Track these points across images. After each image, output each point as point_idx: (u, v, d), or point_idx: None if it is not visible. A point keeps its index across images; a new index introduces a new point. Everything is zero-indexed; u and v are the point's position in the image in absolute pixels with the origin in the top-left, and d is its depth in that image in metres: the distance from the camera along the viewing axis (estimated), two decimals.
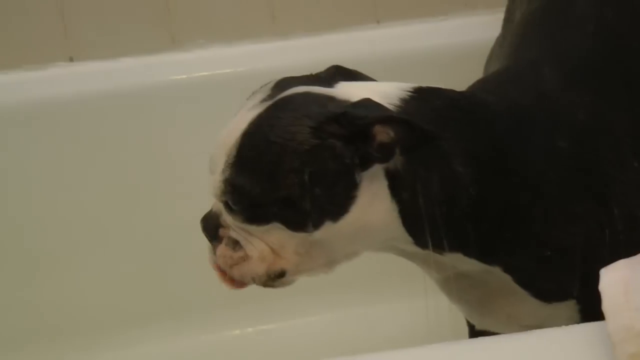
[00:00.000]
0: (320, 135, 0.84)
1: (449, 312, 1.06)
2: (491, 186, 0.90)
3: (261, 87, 0.92)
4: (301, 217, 0.86)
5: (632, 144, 0.96)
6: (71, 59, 1.54)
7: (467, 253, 0.92)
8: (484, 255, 0.93)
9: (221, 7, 1.56)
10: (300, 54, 1.53)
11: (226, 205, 0.89)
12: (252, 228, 0.88)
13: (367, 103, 0.85)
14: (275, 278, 0.91)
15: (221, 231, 0.91)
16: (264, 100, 0.88)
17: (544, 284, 0.95)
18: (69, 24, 1.53)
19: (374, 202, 0.87)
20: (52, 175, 1.50)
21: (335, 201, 0.86)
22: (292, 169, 0.84)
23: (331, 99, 0.87)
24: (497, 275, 0.95)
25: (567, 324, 0.79)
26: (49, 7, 1.51)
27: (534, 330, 0.79)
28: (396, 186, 0.87)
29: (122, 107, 1.50)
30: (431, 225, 0.88)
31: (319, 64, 1.49)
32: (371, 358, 0.78)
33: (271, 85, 0.91)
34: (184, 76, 1.53)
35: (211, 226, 0.92)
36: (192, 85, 1.53)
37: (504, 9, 1.30)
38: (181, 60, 1.54)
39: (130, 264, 1.53)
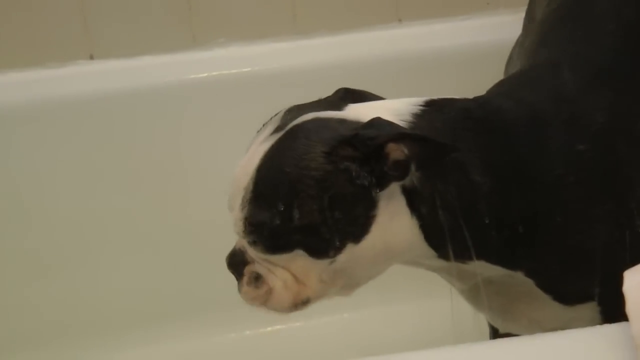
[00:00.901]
0: (334, 159, 0.84)
1: (468, 312, 1.05)
2: (510, 193, 0.89)
3: (271, 118, 0.92)
4: (323, 243, 0.86)
5: None
6: (92, 57, 1.55)
7: (491, 260, 0.92)
8: (507, 261, 0.92)
9: (242, 6, 1.56)
10: (321, 53, 1.53)
11: (248, 240, 0.89)
12: (275, 258, 0.88)
13: (378, 122, 0.85)
14: (300, 306, 0.91)
15: (247, 268, 0.91)
16: (275, 131, 0.88)
17: (565, 286, 0.94)
18: (90, 21, 1.53)
19: (393, 220, 0.87)
20: (72, 173, 1.50)
21: (355, 223, 0.86)
22: (310, 196, 0.84)
23: (342, 121, 0.87)
24: (519, 279, 0.94)
25: (588, 326, 0.78)
26: (70, 4, 1.52)
27: (556, 332, 0.78)
28: (414, 202, 0.87)
29: (143, 105, 1.51)
30: (453, 236, 0.88)
31: (339, 63, 1.50)
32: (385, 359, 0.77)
33: (280, 115, 0.91)
34: (205, 74, 1.53)
35: (237, 263, 0.92)
36: (212, 83, 1.53)
37: (525, 8, 1.29)
38: (202, 59, 1.55)
39: (138, 264, 1.53)
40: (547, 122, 0.93)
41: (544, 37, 1.10)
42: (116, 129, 1.51)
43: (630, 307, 0.73)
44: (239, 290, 0.92)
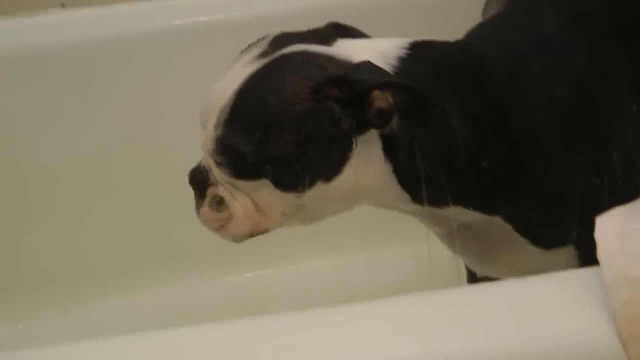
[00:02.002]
0: (319, 97, 0.83)
1: (447, 257, 1.07)
2: (490, 139, 0.90)
3: (257, 40, 0.91)
4: (293, 178, 0.85)
5: (633, 88, 0.96)
6: (63, 5, 1.53)
7: (468, 206, 0.92)
8: (485, 206, 0.93)
9: None
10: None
11: (216, 160, 0.88)
12: (241, 183, 0.87)
13: (367, 66, 0.84)
14: (256, 235, 0.91)
15: (209, 190, 0.90)
16: (261, 56, 0.87)
17: (543, 231, 0.96)
18: None
19: (367, 164, 0.87)
20: (44, 122, 1.49)
21: (328, 162, 0.86)
22: (288, 129, 0.83)
23: (330, 59, 0.86)
24: (497, 224, 0.95)
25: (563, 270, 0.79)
26: None
27: (529, 277, 0.80)
28: (391, 147, 0.87)
29: (116, 54, 1.49)
30: (429, 182, 0.88)
31: (316, 10, 1.49)
32: (368, 305, 0.79)
33: (268, 40, 0.89)
34: (179, 22, 1.51)
35: (199, 181, 0.91)
36: (187, 31, 1.51)
37: None
38: (176, 6, 1.52)
39: (126, 210, 1.53)
40: (527, 67, 0.93)
41: None
42: (89, 78, 1.49)
43: (602, 253, 0.75)
44: (197, 208, 0.92)
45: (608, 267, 0.74)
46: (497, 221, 0.95)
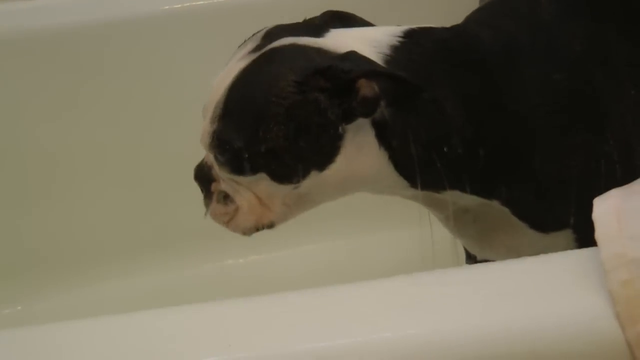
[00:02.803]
0: (305, 89, 0.84)
1: (448, 240, 1.07)
2: (486, 124, 0.90)
3: (253, 35, 0.92)
4: (287, 169, 0.87)
5: (631, 72, 0.96)
6: None
7: (465, 190, 0.93)
8: (482, 190, 0.93)
9: None
10: None
11: (214, 156, 0.89)
12: (240, 179, 0.89)
13: (353, 56, 0.85)
14: (263, 228, 0.93)
15: (213, 185, 0.92)
16: (254, 50, 0.88)
17: (541, 215, 0.96)
18: None
19: (360, 151, 0.87)
20: (43, 106, 1.49)
21: (320, 152, 0.86)
22: (277, 123, 0.84)
23: (319, 50, 0.86)
24: (495, 208, 0.95)
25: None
26: None
27: (527, 257, 0.80)
28: (384, 134, 0.87)
29: (116, 37, 1.49)
30: (425, 167, 0.89)
31: None
32: (366, 284, 0.79)
33: (261, 34, 0.90)
34: (177, 6, 1.51)
35: (204, 178, 0.93)
36: (185, 14, 1.51)
37: None
38: None
39: (124, 194, 1.54)
40: (524, 51, 0.93)
41: None
42: (89, 62, 1.49)
43: (600, 233, 0.75)
44: (206, 205, 0.93)
45: (606, 247, 0.74)
46: (495, 205, 0.95)
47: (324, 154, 0.87)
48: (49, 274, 1.52)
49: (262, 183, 0.88)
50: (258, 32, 0.91)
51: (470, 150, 0.90)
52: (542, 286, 0.75)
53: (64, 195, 1.52)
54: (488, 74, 0.91)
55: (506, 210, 0.95)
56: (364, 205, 1.27)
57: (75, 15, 1.49)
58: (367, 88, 0.83)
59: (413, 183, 0.91)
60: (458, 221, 1.00)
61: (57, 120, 1.49)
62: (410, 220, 1.05)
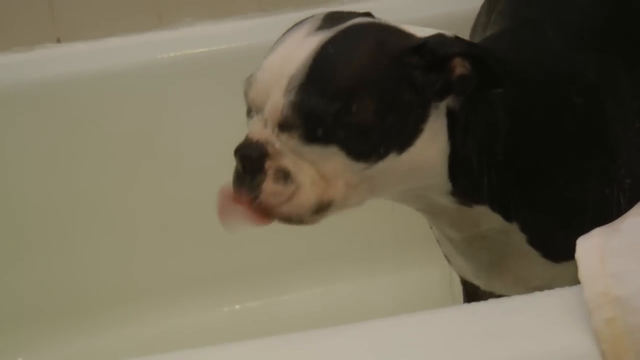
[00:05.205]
0: (400, 64, 0.84)
1: (443, 280, 1.07)
2: (521, 137, 0.92)
3: (305, 19, 0.89)
4: (367, 146, 0.84)
5: (633, 105, 0.98)
6: (59, 40, 1.54)
7: (493, 206, 0.93)
8: (507, 209, 0.94)
9: None
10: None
11: (284, 126, 0.84)
12: (308, 151, 0.83)
13: (445, 37, 0.86)
14: (319, 211, 0.86)
15: (268, 163, 0.84)
16: (321, 28, 0.85)
17: (555, 242, 0.96)
18: (56, 4, 1.53)
19: (434, 139, 0.87)
20: (43, 156, 1.50)
21: (404, 132, 0.85)
22: (369, 95, 0.82)
23: (399, 31, 0.87)
24: (512, 236, 0.96)
25: (572, 284, 0.80)
26: None
27: (513, 297, 0.80)
28: (453, 126, 0.88)
29: (112, 87, 1.50)
30: (473, 171, 0.90)
31: None
32: (357, 326, 0.79)
33: (319, 17, 0.88)
34: (172, 54, 1.53)
35: (254, 156, 0.85)
36: (180, 63, 1.53)
37: None
38: (169, 39, 1.54)
39: (118, 243, 1.54)
40: (545, 75, 0.95)
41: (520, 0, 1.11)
42: (86, 112, 1.50)
43: (583, 272, 0.75)
44: (249, 185, 0.85)
45: (589, 286, 0.74)
46: (513, 231, 0.96)
47: (407, 134, 0.85)
48: (48, 325, 1.52)
49: (332, 158, 0.83)
50: (311, 17, 0.89)
51: (507, 161, 0.91)
52: (527, 325, 0.76)
53: (61, 246, 1.53)
54: (525, 90, 0.93)
55: (522, 237, 0.96)
56: (354, 251, 1.28)
57: (73, 65, 1.51)
58: (461, 67, 0.84)
59: (455, 187, 0.91)
60: (472, 246, 1.00)
61: (52, 170, 1.50)
62: (403, 266, 1.05)
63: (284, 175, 0.84)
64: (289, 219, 0.85)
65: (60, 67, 1.51)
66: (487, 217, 0.95)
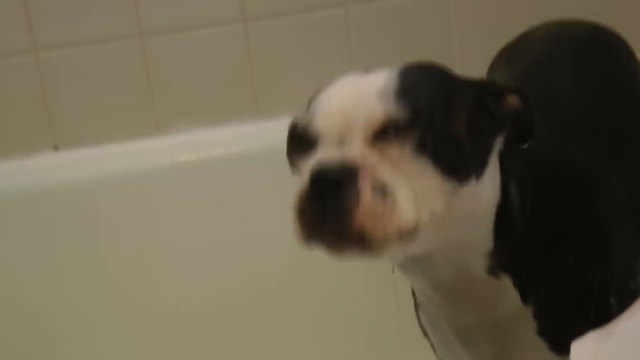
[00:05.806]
0: (473, 87, 0.88)
1: None
2: (539, 205, 0.92)
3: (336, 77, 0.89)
4: (458, 160, 0.83)
5: (622, 199, 1.00)
6: (56, 147, 1.56)
7: (515, 279, 0.92)
8: (525, 287, 0.93)
9: (203, 91, 1.58)
10: (284, 133, 1.54)
11: (381, 136, 0.82)
12: (406, 161, 0.81)
13: (493, 80, 0.94)
14: (405, 237, 0.81)
15: (361, 179, 0.80)
16: (366, 72, 0.88)
17: (564, 333, 0.93)
18: (53, 112, 1.55)
19: (493, 177, 0.88)
20: (38, 264, 1.50)
21: (481, 157, 0.86)
22: (463, 108, 0.86)
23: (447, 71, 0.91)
24: (523, 325, 0.95)
25: None
26: (33, 96, 1.54)
27: None
28: (503, 169, 0.89)
29: (108, 194, 1.52)
30: (511, 229, 0.90)
31: None
32: None
33: (359, 70, 0.89)
34: (169, 161, 1.54)
35: (344, 174, 0.80)
36: (177, 169, 1.54)
37: None
38: (166, 145, 1.56)
39: (118, 351, 1.52)
40: (547, 162, 0.96)
41: None
42: (83, 218, 1.51)
43: None
44: (337, 206, 0.79)
45: None
46: (525, 317, 0.94)
47: (482, 159, 0.86)
48: None
49: (426, 175, 0.81)
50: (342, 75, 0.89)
51: (530, 232, 0.91)
52: None
53: (55, 351, 1.51)
54: (536, 170, 0.95)
55: (532, 326, 0.94)
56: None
57: (70, 173, 1.53)
58: (516, 101, 0.89)
59: (497, 245, 0.89)
60: (480, 336, 0.97)
61: (49, 276, 1.50)
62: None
63: (382, 191, 0.80)
64: (381, 242, 0.80)
65: (57, 174, 1.52)
66: (507, 295, 0.93)
